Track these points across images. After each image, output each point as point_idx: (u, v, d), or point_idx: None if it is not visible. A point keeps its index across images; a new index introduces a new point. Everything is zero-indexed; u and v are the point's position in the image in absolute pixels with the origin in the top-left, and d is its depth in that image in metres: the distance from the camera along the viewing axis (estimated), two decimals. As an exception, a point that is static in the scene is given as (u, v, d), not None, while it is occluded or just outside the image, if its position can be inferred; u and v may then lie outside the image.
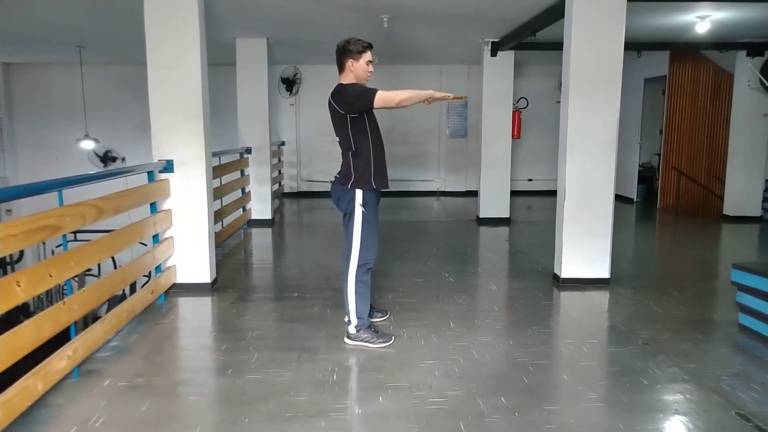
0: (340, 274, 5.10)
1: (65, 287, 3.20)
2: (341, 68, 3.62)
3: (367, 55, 3.56)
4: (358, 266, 3.63)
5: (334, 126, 3.64)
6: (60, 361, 2.95)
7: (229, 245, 6.80)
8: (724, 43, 8.06)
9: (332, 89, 3.58)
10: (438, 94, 3.54)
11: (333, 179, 3.73)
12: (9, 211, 9.48)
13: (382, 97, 3.39)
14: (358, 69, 3.57)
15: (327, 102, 3.63)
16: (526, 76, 10.89)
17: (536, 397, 2.99)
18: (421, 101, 3.53)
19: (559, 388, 3.17)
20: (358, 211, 3.58)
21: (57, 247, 3.58)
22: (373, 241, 3.67)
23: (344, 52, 3.57)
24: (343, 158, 3.68)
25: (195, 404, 2.95)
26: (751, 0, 5.68)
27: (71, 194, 3.17)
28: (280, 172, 10.61)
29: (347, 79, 3.59)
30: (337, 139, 3.67)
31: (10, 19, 6.61)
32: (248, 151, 7.80)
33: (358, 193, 3.57)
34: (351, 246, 3.64)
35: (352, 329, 3.65)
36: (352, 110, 3.49)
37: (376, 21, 6.32)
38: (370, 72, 3.61)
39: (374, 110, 3.53)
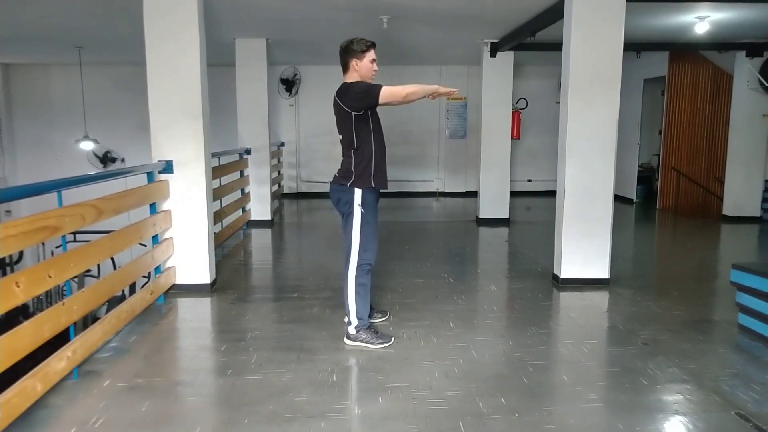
0: (339, 274, 5.10)
1: (65, 288, 3.19)
2: (345, 68, 3.62)
3: (371, 54, 3.58)
4: (358, 266, 3.62)
5: (337, 124, 3.63)
6: (59, 362, 2.95)
7: (228, 246, 6.79)
8: (723, 43, 8.07)
9: (337, 88, 3.58)
10: (443, 89, 3.52)
11: (332, 178, 3.73)
12: (8, 211, 9.47)
13: (387, 92, 3.39)
14: (363, 68, 3.57)
15: (331, 101, 3.62)
16: (526, 76, 10.89)
17: (536, 397, 2.99)
18: (426, 96, 3.51)
19: (559, 388, 3.17)
20: (357, 211, 3.58)
21: (56, 247, 3.58)
22: (372, 243, 3.66)
23: (348, 53, 3.58)
24: (344, 156, 3.67)
25: (194, 405, 2.95)
26: (751, 0, 5.69)
27: (71, 195, 3.17)
28: (279, 172, 10.61)
29: (352, 78, 3.59)
30: (339, 137, 3.66)
31: (9, 19, 6.61)
32: (248, 151, 7.80)
33: (357, 193, 3.57)
34: (350, 247, 3.63)
35: (351, 330, 3.65)
36: (358, 107, 3.49)
37: (376, 21, 6.32)
38: (375, 70, 3.62)
39: (378, 107, 3.52)
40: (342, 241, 3.78)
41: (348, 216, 3.63)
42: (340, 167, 3.69)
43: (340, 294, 4.63)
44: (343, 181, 3.61)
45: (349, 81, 3.59)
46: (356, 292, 3.64)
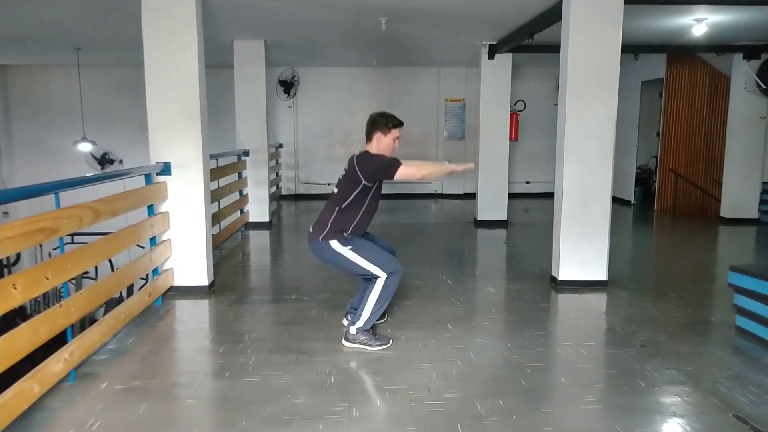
0: (337, 276, 5.12)
1: (62, 290, 3.18)
2: (368, 138, 3.73)
3: (396, 132, 3.71)
4: (387, 276, 3.61)
5: (341, 180, 3.71)
6: (56, 364, 2.94)
7: (226, 248, 6.79)
8: (720, 45, 8.08)
9: (359, 154, 3.68)
10: (459, 168, 3.75)
11: (309, 231, 3.77)
12: (6, 213, 9.47)
13: (404, 173, 3.54)
14: (383, 144, 3.69)
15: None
16: (524, 78, 10.91)
17: (534, 399, 2.99)
18: (442, 175, 3.70)
19: (557, 390, 3.17)
20: (347, 252, 3.61)
21: (54, 249, 3.57)
22: (384, 255, 3.67)
23: (374, 125, 3.70)
24: (325, 208, 3.75)
25: (192, 407, 2.95)
26: (747, 3, 5.71)
27: (68, 196, 3.17)
28: (277, 174, 10.60)
29: (372, 149, 3.71)
30: (334, 189, 3.73)
31: (7, 21, 6.60)
32: (246, 153, 7.80)
33: (333, 243, 3.62)
34: (369, 273, 3.63)
35: (353, 329, 3.64)
36: (372, 179, 3.60)
37: (374, 23, 6.33)
38: (395, 148, 3.74)
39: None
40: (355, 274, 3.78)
41: (343, 260, 3.65)
42: (318, 219, 3.74)
43: (339, 295, 4.65)
44: (316, 235, 3.67)
45: (370, 150, 3.70)
46: (381, 295, 3.62)
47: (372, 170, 3.58)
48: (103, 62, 10.34)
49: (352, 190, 3.61)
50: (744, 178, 8.52)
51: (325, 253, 3.68)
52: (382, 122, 3.68)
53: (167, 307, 4.49)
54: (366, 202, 3.66)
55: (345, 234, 3.62)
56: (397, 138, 3.73)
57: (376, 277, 3.62)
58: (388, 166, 3.55)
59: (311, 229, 3.75)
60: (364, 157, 3.64)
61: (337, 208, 3.64)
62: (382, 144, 3.68)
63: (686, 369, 3.36)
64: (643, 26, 6.71)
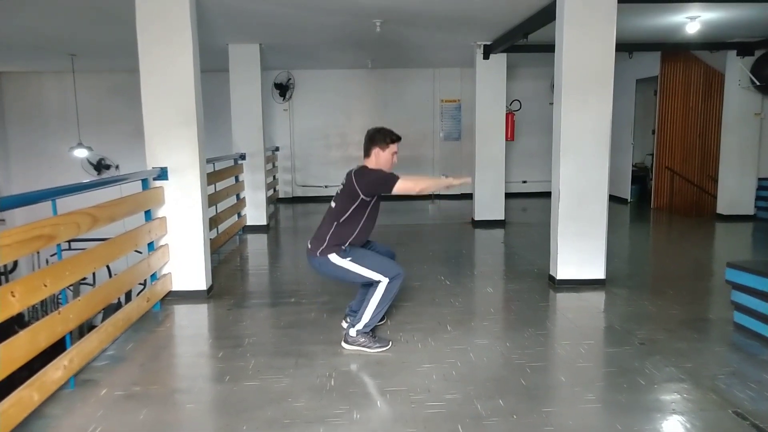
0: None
1: (60, 297, 3.18)
2: (367, 153, 3.75)
3: (394, 147, 3.73)
4: (390, 280, 3.61)
5: (338, 194, 3.73)
6: (56, 372, 2.93)
7: (224, 252, 6.78)
8: (714, 43, 8.12)
9: (356, 169, 3.70)
10: (455, 182, 3.81)
11: (307, 246, 3.77)
12: (2, 221, 9.43)
13: (402, 186, 3.55)
14: (382, 159, 3.71)
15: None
16: (519, 78, 10.93)
17: (534, 399, 2.99)
18: (439, 189, 3.75)
19: (557, 389, 3.18)
20: (347, 264, 3.62)
21: (51, 256, 3.57)
22: (384, 261, 3.67)
23: (372, 140, 3.72)
24: (323, 222, 3.76)
25: (192, 412, 2.94)
26: (740, 0, 5.73)
27: (65, 203, 3.16)
28: (274, 177, 10.60)
29: (371, 163, 3.73)
30: (332, 204, 3.75)
31: (1, 27, 6.59)
32: (242, 157, 7.79)
33: (332, 256, 3.62)
34: (373, 281, 3.62)
35: (353, 331, 3.64)
36: (371, 194, 3.62)
37: (369, 25, 6.34)
38: (394, 163, 3.76)
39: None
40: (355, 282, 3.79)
41: (345, 272, 3.65)
42: (315, 233, 3.76)
43: (338, 297, 4.65)
44: (315, 250, 3.67)
45: (368, 165, 3.71)
46: (382, 299, 3.62)
47: (370, 184, 3.59)
48: (98, 68, 10.33)
49: (351, 204, 3.62)
50: (739, 174, 8.55)
51: (324, 267, 3.69)
52: (380, 137, 3.70)
53: (166, 313, 4.48)
54: (365, 216, 3.68)
55: (343, 246, 3.63)
56: (395, 153, 3.75)
57: (376, 282, 3.62)
58: (386, 180, 3.58)
59: (309, 245, 3.76)
60: (362, 172, 3.65)
61: (336, 223, 3.65)
62: (380, 159, 3.70)
63: (685, 366, 3.37)
64: (637, 24, 6.73)
